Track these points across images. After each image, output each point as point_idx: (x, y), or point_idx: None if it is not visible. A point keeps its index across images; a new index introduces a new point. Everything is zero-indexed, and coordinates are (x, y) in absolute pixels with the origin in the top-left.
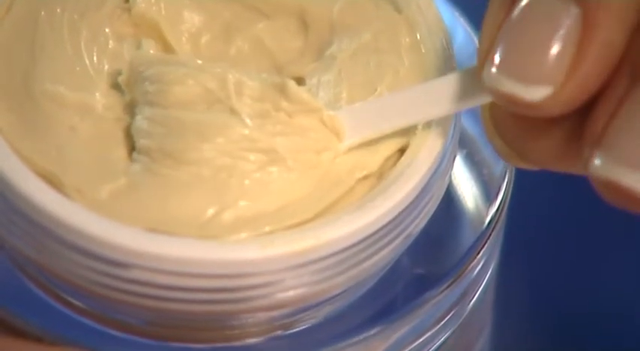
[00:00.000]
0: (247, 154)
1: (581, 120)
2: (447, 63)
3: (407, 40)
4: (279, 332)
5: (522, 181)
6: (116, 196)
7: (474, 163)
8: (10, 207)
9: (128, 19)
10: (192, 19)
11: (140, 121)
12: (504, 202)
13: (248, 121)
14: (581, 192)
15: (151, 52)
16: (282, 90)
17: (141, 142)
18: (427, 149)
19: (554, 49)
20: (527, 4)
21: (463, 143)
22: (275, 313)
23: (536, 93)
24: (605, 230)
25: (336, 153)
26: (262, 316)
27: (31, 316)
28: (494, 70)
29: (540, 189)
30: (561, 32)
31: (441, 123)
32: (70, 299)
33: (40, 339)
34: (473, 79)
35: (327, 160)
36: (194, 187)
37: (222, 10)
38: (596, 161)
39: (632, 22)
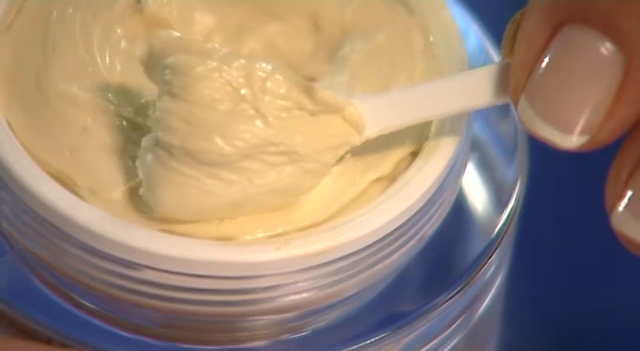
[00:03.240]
0: (268, 155)
1: None
2: (460, 65)
3: (420, 42)
4: (288, 335)
5: (532, 183)
6: (130, 197)
7: (486, 168)
8: (22, 208)
9: (140, 19)
10: (204, 20)
11: (163, 114)
12: (516, 207)
13: (271, 120)
14: (591, 193)
15: (175, 34)
16: (308, 92)
17: (161, 135)
18: (440, 153)
19: (596, 101)
20: (571, 44)
21: (475, 147)
22: (286, 316)
23: (572, 141)
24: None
25: (353, 146)
26: (273, 318)
27: (41, 316)
28: (531, 110)
29: (550, 191)
30: (604, 81)
31: (453, 126)
32: (80, 300)
33: (49, 340)
34: (494, 79)
35: (341, 154)
36: (211, 192)
37: (233, 11)
38: (618, 216)
39: None
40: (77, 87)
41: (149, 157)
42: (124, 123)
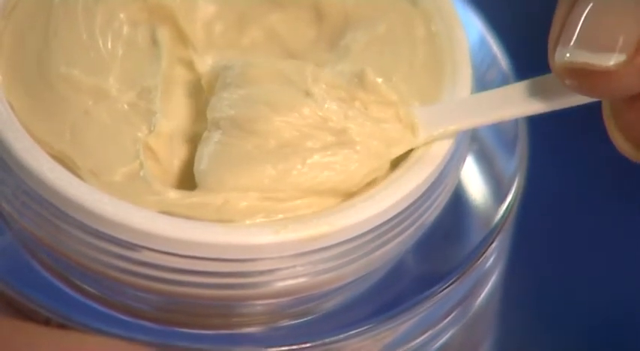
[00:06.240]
0: (317, 131)
1: None
2: (461, 56)
3: (421, 32)
4: (286, 321)
5: (532, 176)
6: (130, 179)
7: (486, 160)
8: (23, 188)
9: (143, 5)
10: (207, 7)
11: (214, 101)
12: (515, 199)
13: (322, 102)
14: (590, 185)
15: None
16: (359, 78)
17: (212, 117)
18: (440, 141)
19: (624, 22)
20: None
21: (475, 139)
22: (284, 301)
23: (609, 59)
24: (615, 228)
25: (410, 147)
26: (271, 303)
27: (39, 297)
28: (565, 46)
29: (549, 184)
30: (631, 10)
31: None
32: (79, 283)
33: (47, 320)
34: (545, 86)
35: (396, 154)
36: (254, 159)
37: None
38: None
39: None
40: (79, 70)
41: (202, 146)
42: (126, 106)
